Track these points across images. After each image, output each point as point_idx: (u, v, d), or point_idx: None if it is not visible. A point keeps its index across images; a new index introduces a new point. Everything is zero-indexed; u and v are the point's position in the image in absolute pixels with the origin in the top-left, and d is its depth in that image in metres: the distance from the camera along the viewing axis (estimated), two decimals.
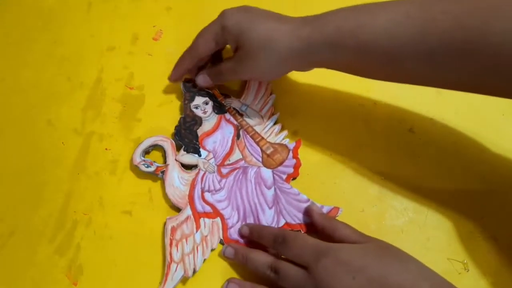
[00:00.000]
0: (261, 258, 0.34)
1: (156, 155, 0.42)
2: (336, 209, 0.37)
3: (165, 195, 0.39)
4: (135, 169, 0.41)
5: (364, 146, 0.41)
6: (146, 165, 0.39)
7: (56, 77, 0.46)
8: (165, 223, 0.37)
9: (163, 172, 0.39)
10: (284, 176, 0.39)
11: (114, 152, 0.42)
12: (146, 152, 0.41)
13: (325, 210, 0.37)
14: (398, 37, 0.30)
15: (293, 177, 0.39)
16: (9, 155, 0.43)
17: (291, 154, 0.40)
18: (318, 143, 0.41)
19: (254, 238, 0.36)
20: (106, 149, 0.42)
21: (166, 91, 0.45)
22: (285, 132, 0.41)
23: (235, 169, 0.40)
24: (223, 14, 0.38)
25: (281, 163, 0.40)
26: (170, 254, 0.36)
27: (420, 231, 0.37)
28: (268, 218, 0.38)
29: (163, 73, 0.45)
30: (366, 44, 0.31)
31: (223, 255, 0.36)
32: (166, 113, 0.43)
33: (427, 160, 0.40)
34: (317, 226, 0.35)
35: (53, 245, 0.38)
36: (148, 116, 0.44)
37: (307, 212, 0.37)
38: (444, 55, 0.28)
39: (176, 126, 0.41)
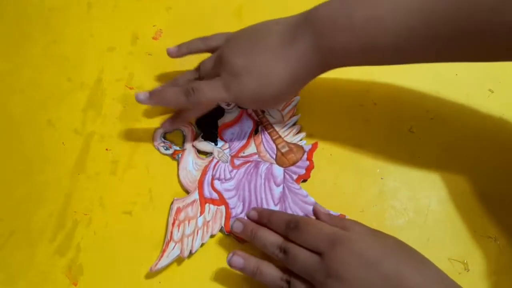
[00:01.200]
0: (270, 237, 0.33)
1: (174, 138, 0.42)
2: (342, 216, 0.37)
3: (168, 191, 0.39)
4: (135, 169, 0.41)
5: (364, 146, 0.41)
6: (165, 148, 0.41)
7: (56, 77, 0.46)
8: (172, 203, 0.38)
9: (179, 156, 0.40)
10: (295, 177, 0.39)
11: (114, 152, 0.42)
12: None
13: None
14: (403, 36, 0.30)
15: (303, 178, 0.39)
16: (9, 155, 0.43)
17: (305, 155, 0.40)
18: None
19: (263, 222, 0.35)
20: (106, 149, 0.42)
21: None
22: (303, 134, 0.41)
23: (247, 162, 0.40)
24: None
25: (294, 163, 0.40)
26: (171, 233, 0.37)
27: (420, 231, 0.37)
28: None
29: (163, 73, 0.45)
30: (375, 52, 0.32)
31: (231, 230, 0.36)
32: (166, 113, 0.43)
33: (427, 160, 0.40)
34: None
35: (53, 245, 0.38)
36: (148, 116, 0.44)
37: (313, 213, 0.37)
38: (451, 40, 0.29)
39: None
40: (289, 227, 0.33)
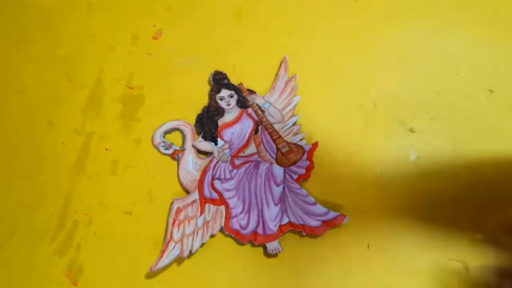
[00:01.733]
0: None
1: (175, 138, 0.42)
2: (342, 216, 0.37)
3: (168, 191, 0.40)
4: (135, 169, 0.41)
5: (364, 146, 0.41)
6: (165, 147, 0.41)
7: (56, 77, 0.46)
8: (172, 203, 0.38)
9: (179, 156, 0.40)
10: (295, 176, 0.39)
11: (114, 152, 0.42)
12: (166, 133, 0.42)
13: (330, 216, 0.37)
14: None
15: (304, 178, 0.39)
16: (9, 155, 0.43)
17: (305, 155, 0.40)
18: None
19: None
20: (106, 149, 0.42)
21: (166, 90, 0.45)
22: (303, 134, 0.41)
23: (248, 161, 0.40)
24: None
25: (294, 163, 0.40)
26: (171, 233, 0.37)
27: (421, 231, 0.37)
28: (272, 214, 0.38)
29: (163, 73, 0.45)
30: None
31: None
32: (166, 112, 0.43)
33: (427, 160, 0.40)
34: None
35: (53, 245, 0.38)
36: (148, 115, 0.44)
37: None
38: None
39: (198, 114, 0.42)
40: None
